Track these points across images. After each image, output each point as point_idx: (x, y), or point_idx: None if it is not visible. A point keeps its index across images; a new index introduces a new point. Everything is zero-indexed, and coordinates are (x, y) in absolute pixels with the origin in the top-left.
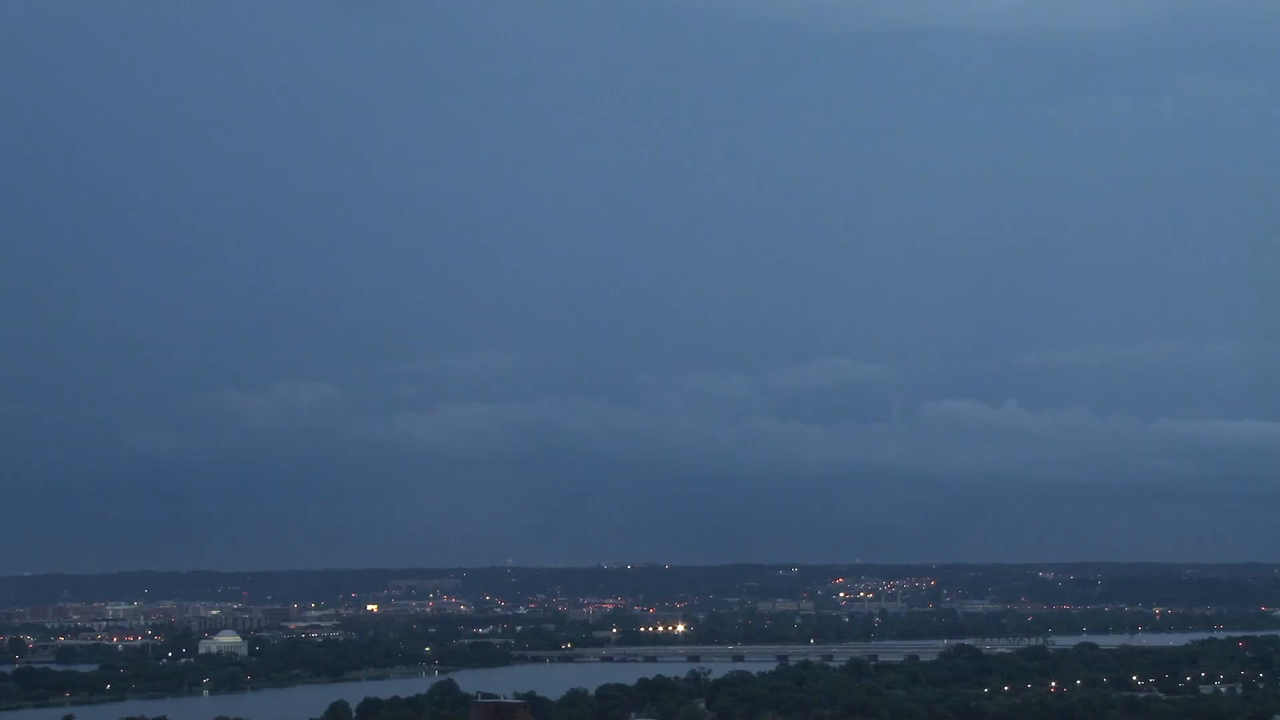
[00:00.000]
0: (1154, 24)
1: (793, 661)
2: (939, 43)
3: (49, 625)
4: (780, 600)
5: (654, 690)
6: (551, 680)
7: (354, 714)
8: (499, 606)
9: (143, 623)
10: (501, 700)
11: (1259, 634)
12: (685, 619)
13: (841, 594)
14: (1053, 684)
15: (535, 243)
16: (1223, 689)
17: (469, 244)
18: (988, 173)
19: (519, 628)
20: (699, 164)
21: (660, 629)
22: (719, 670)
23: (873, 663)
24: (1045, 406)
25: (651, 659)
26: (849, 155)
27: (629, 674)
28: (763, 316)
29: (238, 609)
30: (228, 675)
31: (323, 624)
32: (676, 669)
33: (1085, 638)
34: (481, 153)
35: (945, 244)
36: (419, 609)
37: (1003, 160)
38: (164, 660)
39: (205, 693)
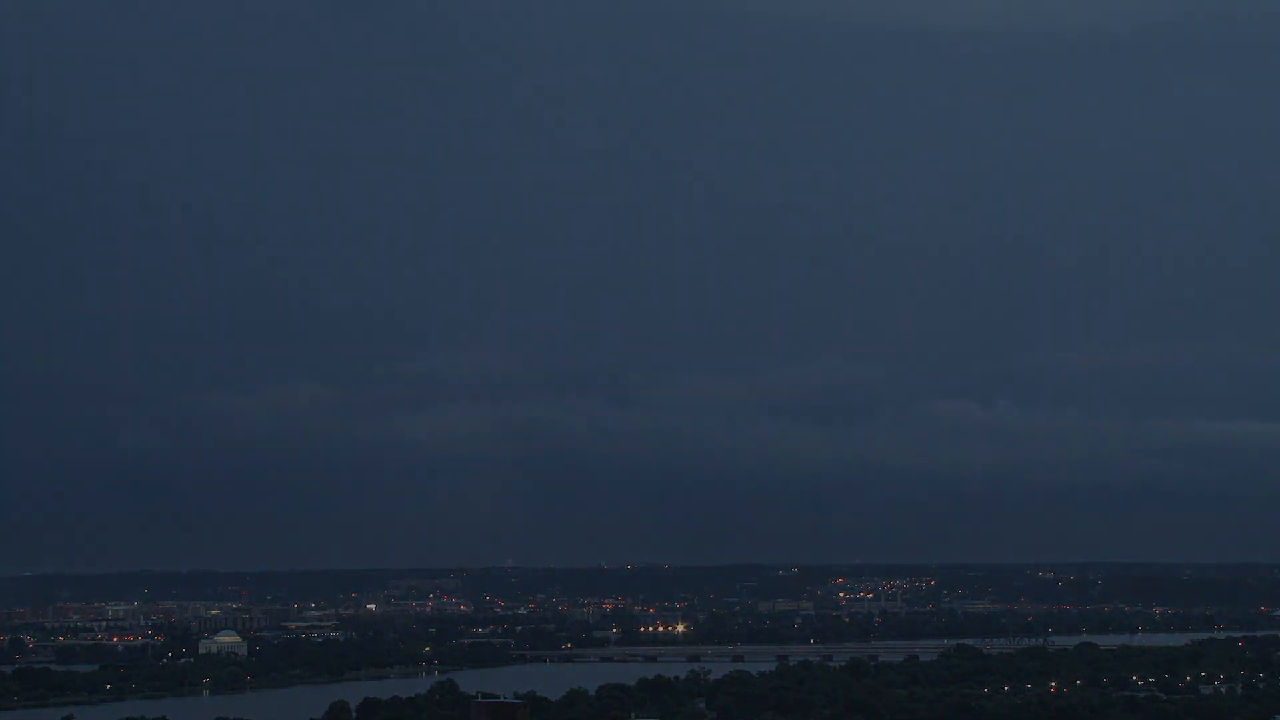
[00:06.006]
0: (1151, 25)
1: (793, 661)
2: (936, 42)
3: (49, 625)
4: (780, 600)
5: (654, 690)
6: (551, 680)
7: (354, 714)
8: (499, 606)
9: (143, 623)
10: (501, 700)
11: (1259, 634)
12: (685, 619)
13: (841, 594)
14: (1053, 684)
15: (529, 243)
16: (1223, 689)
17: (463, 243)
18: (982, 172)
19: (519, 628)
20: (694, 163)
21: (660, 629)
22: (719, 670)
23: (873, 663)
24: (1038, 407)
25: (651, 659)
26: (844, 154)
27: (629, 674)
28: (755, 316)
29: (238, 609)
30: (228, 675)
31: (323, 624)
32: (676, 669)
33: (1085, 638)
34: (476, 152)
35: (938, 244)
36: (419, 609)
37: (997, 160)
38: (164, 660)
39: (205, 693)
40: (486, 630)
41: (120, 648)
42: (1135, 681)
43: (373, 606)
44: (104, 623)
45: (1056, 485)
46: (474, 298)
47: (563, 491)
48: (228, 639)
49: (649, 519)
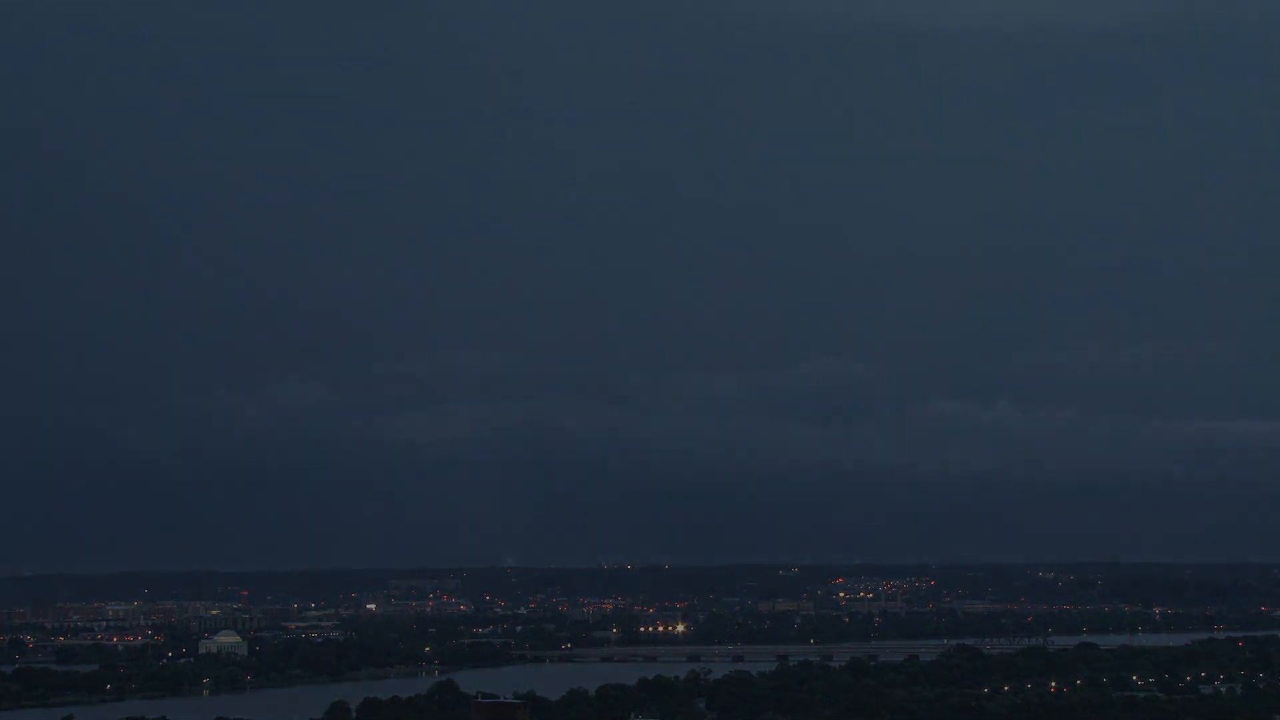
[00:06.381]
0: (1148, 25)
1: (793, 661)
2: (933, 43)
3: (49, 625)
4: (780, 600)
5: (654, 690)
6: (551, 680)
7: (354, 714)
8: (499, 606)
9: (143, 623)
10: (501, 700)
11: (1259, 634)
12: (685, 619)
13: (841, 594)
14: (1053, 684)
15: (528, 243)
16: (1223, 689)
17: (462, 244)
18: (981, 173)
19: (519, 628)
20: (692, 163)
21: (660, 629)
22: (719, 670)
23: (873, 663)
24: (1038, 407)
25: (651, 659)
26: (841, 155)
27: (629, 674)
28: (755, 316)
29: (238, 609)
30: (228, 675)
31: (323, 624)
32: (676, 669)
33: (1085, 638)
34: (476, 153)
35: (937, 244)
36: (419, 609)
37: (996, 160)
38: (164, 660)
39: (205, 693)
40: (486, 630)
41: (120, 648)
42: (1135, 681)
43: (373, 606)
44: (104, 623)
45: (1056, 485)
46: (474, 298)
47: (563, 491)
48: (228, 639)
49: (649, 519)
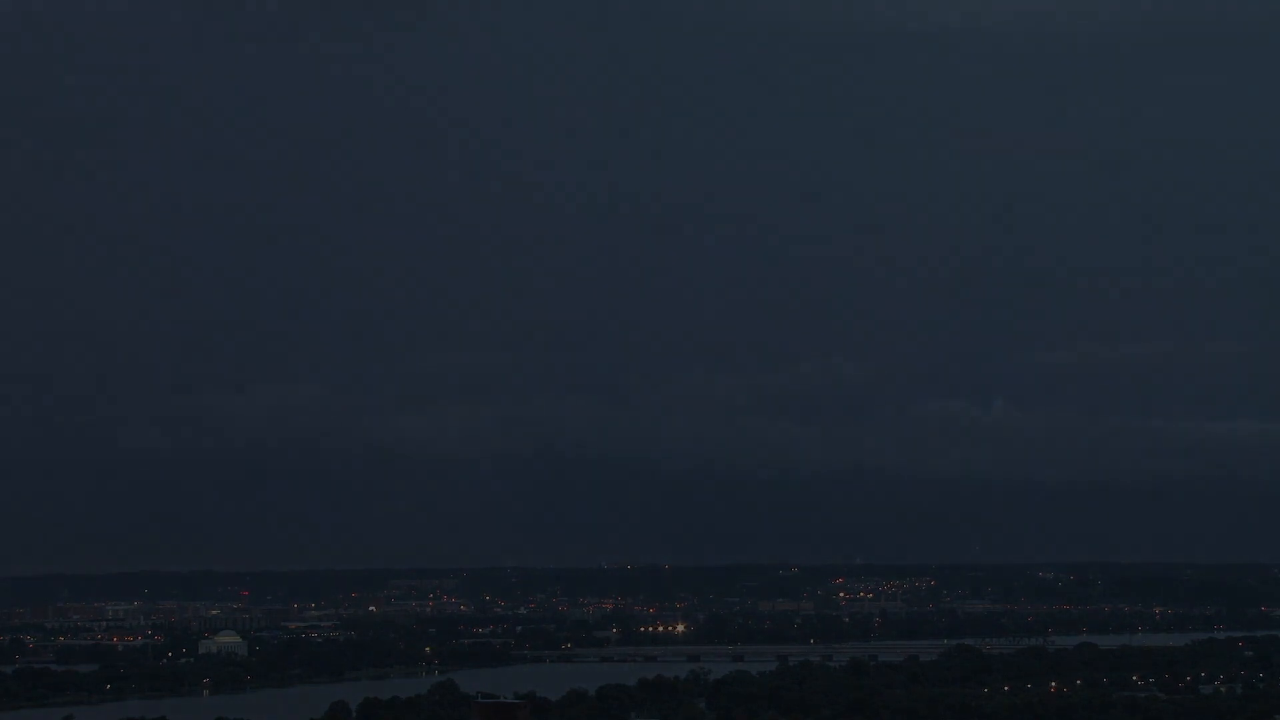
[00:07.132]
0: (1145, 23)
1: (793, 661)
2: (930, 43)
3: (49, 625)
4: (780, 600)
5: (654, 690)
6: (551, 680)
7: (354, 714)
8: (499, 606)
9: (143, 623)
10: (501, 700)
11: (1259, 634)
12: (685, 619)
13: (841, 594)
14: (1053, 684)
15: (528, 242)
16: (1223, 689)
17: (461, 243)
18: (979, 171)
19: (519, 628)
20: (691, 163)
21: (660, 629)
22: (719, 670)
23: (873, 663)
24: (1036, 407)
25: (651, 659)
26: (839, 154)
27: (629, 674)
28: (754, 316)
29: (238, 609)
30: (228, 675)
31: (323, 624)
32: (676, 669)
33: (1085, 638)
34: (474, 153)
35: (937, 244)
36: (419, 609)
37: (993, 158)
38: (164, 660)
39: (205, 693)
40: (486, 630)
41: (120, 648)
42: (1135, 681)
43: (373, 607)
44: (104, 623)
45: (1056, 485)
46: (474, 298)
47: (563, 491)
48: (228, 639)
49: (649, 519)
